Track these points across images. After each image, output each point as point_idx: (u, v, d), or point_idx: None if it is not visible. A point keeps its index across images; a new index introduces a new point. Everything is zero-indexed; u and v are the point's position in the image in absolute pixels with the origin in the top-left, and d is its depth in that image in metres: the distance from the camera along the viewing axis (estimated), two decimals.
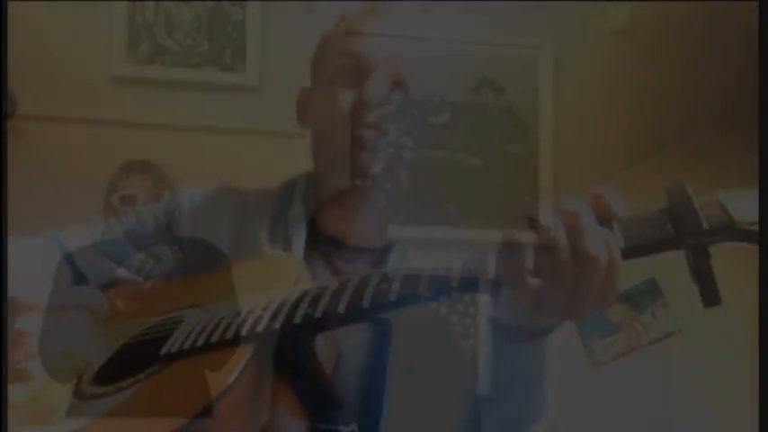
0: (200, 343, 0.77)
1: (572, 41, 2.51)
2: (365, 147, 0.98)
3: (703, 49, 2.39)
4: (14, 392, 0.80)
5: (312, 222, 1.03)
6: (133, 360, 0.81)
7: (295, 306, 0.75)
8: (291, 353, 0.75)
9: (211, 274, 0.96)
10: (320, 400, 0.77)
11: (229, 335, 0.75)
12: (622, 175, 2.34)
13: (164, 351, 0.78)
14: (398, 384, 0.97)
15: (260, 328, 0.74)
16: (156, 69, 2.35)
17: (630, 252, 0.69)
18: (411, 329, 1.04)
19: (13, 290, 0.84)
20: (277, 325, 0.74)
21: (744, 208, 0.68)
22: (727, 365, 2.33)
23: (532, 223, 0.68)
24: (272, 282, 0.83)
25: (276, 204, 1.06)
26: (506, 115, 2.48)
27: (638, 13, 2.51)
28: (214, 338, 0.76)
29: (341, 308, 0.73)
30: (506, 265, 0.69)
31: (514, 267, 0.68)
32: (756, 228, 0.67)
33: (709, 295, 0.69)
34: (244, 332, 0.74)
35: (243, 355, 0.72)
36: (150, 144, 2.28)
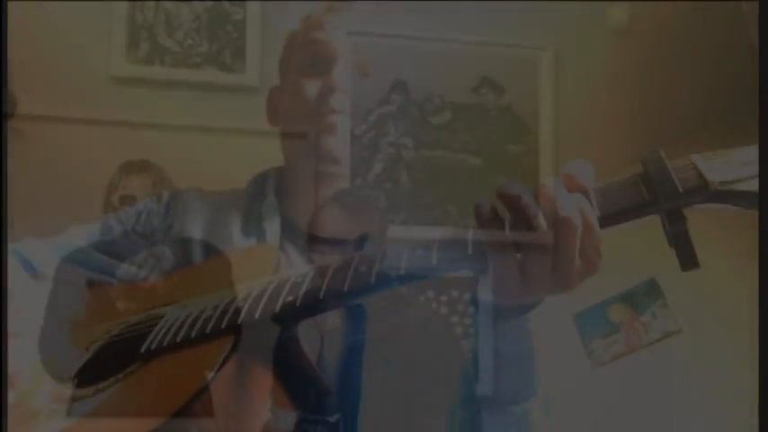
0: (179, 338, 0.75)
1: (572, 41, 2.51)
2: (331, 131, 0.99)
3: (703, 49, 2.39)
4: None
5: (282, 213, 1.03)
6: (112, 360, 0.80)
7: (275, 295, 0.74)
8: (273, 341, 0.73)
9: (191, 270, 0.95)
10: (307, 387, 0.76)
11: (209, 328, 0.74)
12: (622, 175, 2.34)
13: (143, 349, 0.77)
14: (399, 384, 0.97)
15: (240, 319, 0.73)
16: (156, 69, 2.35)
17: (607, 219, 0.69)
18: (411, 329, 1.04)
19: None
20: (257, 315, 0.73)
21: (717, 170, 0.68)
22: (727, 365, 2.33)
23: (502, 197, 0.69)
24: (251, 273, 0.81)
25: (248, 198, 1.06)
26: (506, 115, 2.48)
27: (638, 13, 2.51)
28: (194, 333, 0.75)
29: (321, 293, 0.72)
30: (489, 239, 0.68)
31: (497, 239, 0.68)
32: (730, 188, 0.66)
33: (687, 259, 0.69)
34: (224, 324, 0.74)
35: (223, 348, 0.71)
36: (150, 144, 2.28)
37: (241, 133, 2.30)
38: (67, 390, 0.81)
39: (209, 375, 0.68)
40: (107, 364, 0.80)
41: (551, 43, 2.49)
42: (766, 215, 0.67)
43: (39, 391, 0.81)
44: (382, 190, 1.05)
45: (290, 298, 0.73)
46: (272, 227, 1.01)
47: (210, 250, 0.98)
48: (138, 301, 0.91)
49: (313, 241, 1.01)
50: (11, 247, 1.01)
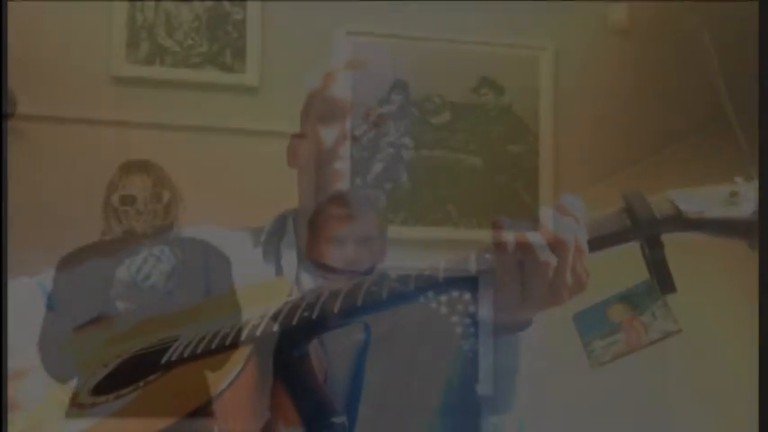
0: (199, 351, 0.78)
1: (572, 41, 2.51)
2: (340, 179, 1.05)
3: (703, 49, 2.39)
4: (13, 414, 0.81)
5: (299, 249, 1.09)
6: (132, 372, 0.82)
7: (292, 311, 0.78)
8: (287, 357, 0.77)
9: (211, 299, 0.99)
10: (314, 403, 0.79)
11: (228, 342, 0.77)
12: (622, 175, 2.34)
13: (164, 360, 0.80)
14: (399, 383, 0.97)
15: (258, 333, 0.76)
16: (156, 69, 2.35)
17: (593, 244, 0.77)
18: (411, 329, 1.04)
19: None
20: (275, 328, 0.76)
21: (691, 202, 0.77)
22: (727, 365, 2.33)
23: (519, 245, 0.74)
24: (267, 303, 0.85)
25: (268, 236, 1.12)
26: (506, 115, 2.48)
27: (638, 13, 2.51)
28: (213, 346, 0.78)
29: (336, 308, 0.76)
30: (501, 264, 0.75)
31: (509, 265, 0.75)
32: (702, 217, 0.76)
33: (664, 283, 0.78)
34: (242, 338, 0.77)
35: (241, 357, 0.74)
36: (150, 144, 2.28)
37: (241, 133, 2.30)
38: (70, 394, 0.82)
39: (228, 380, 0.71)
40: (127, 375, 0.82)
41: (551, 43, 2.49)
42: (766, 215, 0.69)
43: (53, 403, 0.82)
44: (382, 190, 1.07)
45: (306, 314, 0.76)
46: (290, 262, 1.07)
47: (228, 259, 1.03)
48: (152, 330, 0.92)
49: (324, 272, 1.06)
50: (36, 280, 1.03)
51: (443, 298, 1.01)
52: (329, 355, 0.88)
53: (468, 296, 1.00)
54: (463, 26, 2.42)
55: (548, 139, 2.47)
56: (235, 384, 0.71)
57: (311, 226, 1.07)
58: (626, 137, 2.49)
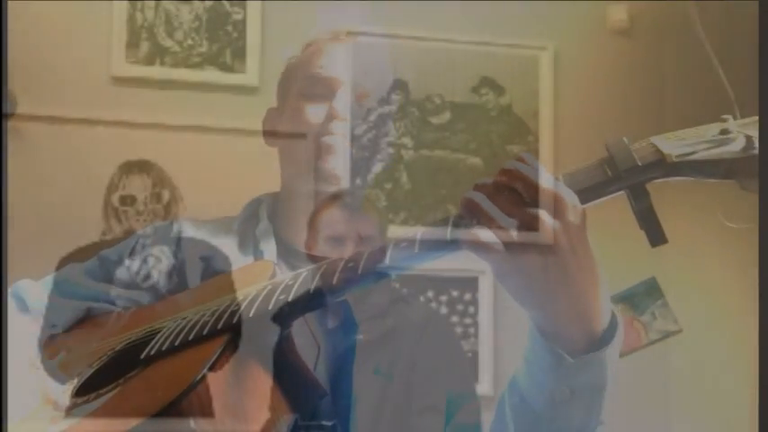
0: (177, 342, 0.77)
1: (572, 41, 2.51)
2: (330, 151, 1.02)
3: (703, 49, 2.39)
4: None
5: (279, 235, 1.06)
6: (113, 369, 0.81)
7: (269, 295, 0.76)
8: (268, 340, 0.75)
9: (191, 291, 0.97)
10: (301, 387, 0.77)
11: (206, 331, 0.76)
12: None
13: (143, 355, 0.79)
14: (399, 383, 0.97)
15: (235, 319, 0.75)
16: (156, 69, 2.35)
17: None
18: (411, 329, 1.04)
19: None
20: (252, 313, 0.74)
21: (674, 145, 0.73)
22: (727, 365, 2.33)
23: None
24: (249, 285, 0.83)
25: (242, 223, 1.09)
26: (506, 115, 2.48)
27: (638, 13, 2.51)
28: (192, 336, 0.76)
29: (311, 288, 0.73)
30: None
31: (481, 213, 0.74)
32: (685, 159, 0.72)
33: (655, 235, 0.72)
34: (220, 326, 0.75)
35: (216, 347, 0.72)
36: (150, 144, 2.28)
37: (241, 133, 2.30)
38: (66, 396, 0.81)
39: (201, 372, 0.68)
40: (109, 373, 0.81)
41: (551, 43, 2.49)
42: (766, 214, 0.68)
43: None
44: (382, 190, 1.06)
45: (283, 296, 0.74)
46: (269, 249, 1.04)
47: (227, 257, 1.01)
48: (140, 324, 0.91)
49: (308, 260, 1.03)
50: (9, 289, 1.01)
51: (443, 298, 1.00)
52: (319, 344, 0.86)
53: (468, 296, 0.99)
54: (463, 26, 2.42)
55: (548, 139, 2.47)
56: (209, 376, 0.68)
57: (311, 224, 1.06)
58: (626, 137, 2.49)
